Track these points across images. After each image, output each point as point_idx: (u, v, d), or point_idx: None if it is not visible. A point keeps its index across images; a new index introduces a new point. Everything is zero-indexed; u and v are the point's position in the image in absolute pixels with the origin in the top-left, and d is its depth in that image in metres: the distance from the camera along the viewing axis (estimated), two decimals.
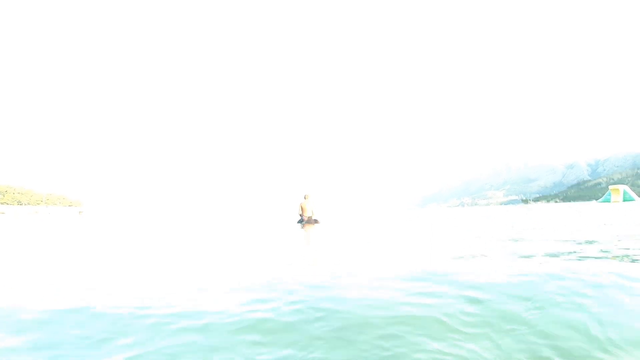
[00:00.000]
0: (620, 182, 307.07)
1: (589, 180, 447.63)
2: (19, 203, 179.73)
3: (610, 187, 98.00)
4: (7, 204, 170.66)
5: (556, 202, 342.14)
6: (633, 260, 4.42)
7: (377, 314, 2.59)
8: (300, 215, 17.64)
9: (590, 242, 6.47)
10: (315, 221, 17.69)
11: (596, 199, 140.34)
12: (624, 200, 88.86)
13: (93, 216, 51.98)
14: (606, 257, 4.75)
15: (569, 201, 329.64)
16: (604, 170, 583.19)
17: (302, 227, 15.43)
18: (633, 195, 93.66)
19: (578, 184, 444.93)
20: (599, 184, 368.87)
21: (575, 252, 5.22)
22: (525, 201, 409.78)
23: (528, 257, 4.83)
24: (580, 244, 6.26)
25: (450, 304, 2.74)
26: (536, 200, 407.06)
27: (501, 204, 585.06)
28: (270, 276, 4.00)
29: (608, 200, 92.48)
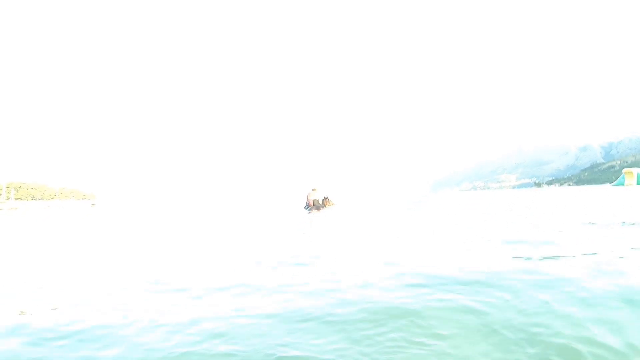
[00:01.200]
0: (634, 164, 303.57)
1: (603, 163, 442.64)
2: (33, 198, 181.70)
3: (624, 170, 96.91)
4: (22, 199, 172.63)
5: (569, 185, 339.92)
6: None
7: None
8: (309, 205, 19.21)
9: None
10: (326, 203, 19.42)
11: (610, 182, 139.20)
12: (638, 184, 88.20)
13: (105, 209, 52.39)
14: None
15: (583, 184, 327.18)
16: (618, 152, 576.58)
17: (308, 213, 17.36)
18: None
19: (591, 167, 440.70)
20: (613, 166, 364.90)
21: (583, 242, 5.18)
22: (539, 184, 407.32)
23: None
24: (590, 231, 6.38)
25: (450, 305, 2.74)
26: (549, 183, 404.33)
27: (514, 187, 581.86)
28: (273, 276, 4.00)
29: (622, 184, 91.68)
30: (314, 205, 19.00)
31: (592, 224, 7.75)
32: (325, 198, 19.65)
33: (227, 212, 22.67)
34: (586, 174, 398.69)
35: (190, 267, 5.01)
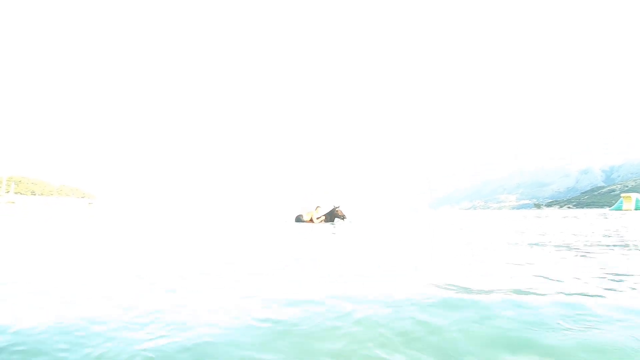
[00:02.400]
0: (634, 189, 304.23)
1: (603, 187, 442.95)
2: (33, 193, 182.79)
3: (622, 195, 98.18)
4: (21, 193, 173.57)
5: (569, 207, 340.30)
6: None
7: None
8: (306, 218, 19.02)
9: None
10: (337, 215, 19.15)
11: (609, 206, 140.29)
12: (636, 209, 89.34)
13: (102, 208, 52.82)
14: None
15: (582, 207, 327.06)
16: (619, 176, 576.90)
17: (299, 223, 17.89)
18: None
19: (592, 190, 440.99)
20: (613, 190, 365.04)
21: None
22: (538, 206, 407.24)
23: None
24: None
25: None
26: (549, 205, 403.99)
27: (513, 208, 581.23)
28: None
29: (620, 208, 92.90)
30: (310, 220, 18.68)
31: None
32: (337, 208, 18.96)
33: (220, 217, 23.24)
34: (586, 197, 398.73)
35: (170, 272, 4.90)
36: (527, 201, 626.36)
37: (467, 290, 3.63)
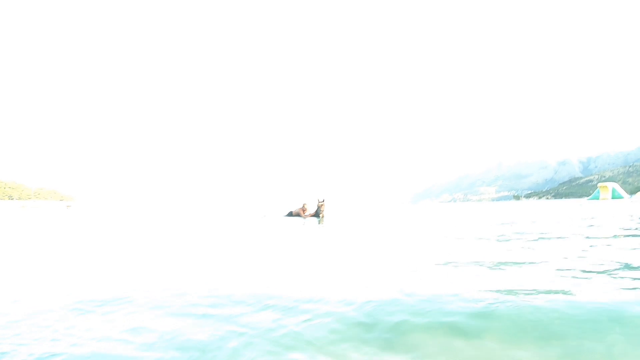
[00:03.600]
0: (611, 179, 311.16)
1: (581, 177, 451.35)
2: (10, 198, 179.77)
3: (599, 185, 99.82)
4: None
5: (547, 198, 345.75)
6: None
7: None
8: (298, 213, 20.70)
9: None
10: (319, 209, 20.15)
11: (587, 196, 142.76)
12: (613, 198, 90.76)
13: (80, 211, 51.92)
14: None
15: (561, 198, 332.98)
16: (596, 167, 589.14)
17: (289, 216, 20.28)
18: (622, 193, 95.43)
19: (570, 181, 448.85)
20: (591, 181, 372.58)
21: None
22: (517, 197, 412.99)
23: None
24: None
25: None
26: (528, 196, 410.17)
27: (493, 200, 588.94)
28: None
29: (597, 198, 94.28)
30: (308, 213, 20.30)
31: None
32: (320, 203, 20.01)
33: (201, 217, 23.38)
34: (564, 187, 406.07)
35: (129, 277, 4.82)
36: (506, 193, 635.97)
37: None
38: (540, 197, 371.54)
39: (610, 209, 24.25)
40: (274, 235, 10.53)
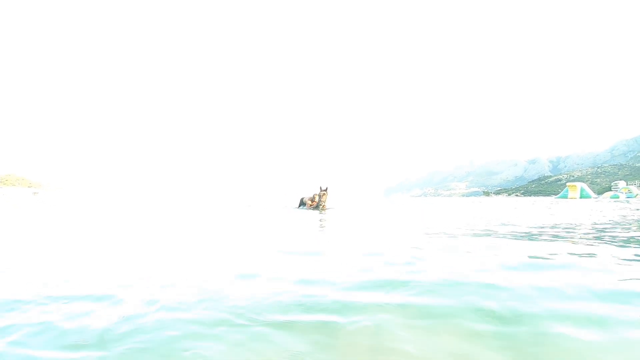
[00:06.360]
0: (580, 179, 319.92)
1: (550, 176, 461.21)
2: None
3: (568, 184, 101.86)
4: None
5: (517, 195, 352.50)
6: None
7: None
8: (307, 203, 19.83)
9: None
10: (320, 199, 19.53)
11: (555, 194, 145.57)
12: (581, 197, 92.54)
13: (48, 198, 50.78)
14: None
15: (530, 195, 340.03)
16: (565, 167, 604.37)
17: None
18: (590, 192, 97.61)
19: (539, 179, 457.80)
20: (560, 179, 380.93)
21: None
22: (487, 193, 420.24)
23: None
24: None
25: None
26: (498, 193, 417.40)
27: (463, 195, 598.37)
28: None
29: (565, 197, 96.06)
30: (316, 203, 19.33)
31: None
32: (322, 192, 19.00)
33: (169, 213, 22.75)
34: (534, 185, 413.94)
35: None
36: (476, 189, 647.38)
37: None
38: (509, 194, 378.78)
39: (574, 207, 25.55)
40: (245, 225, 10.54)
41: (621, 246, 6.11)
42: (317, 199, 19.11)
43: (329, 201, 19.38)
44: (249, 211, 18.10)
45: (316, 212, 16.93)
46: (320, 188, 18.73)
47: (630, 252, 5.53)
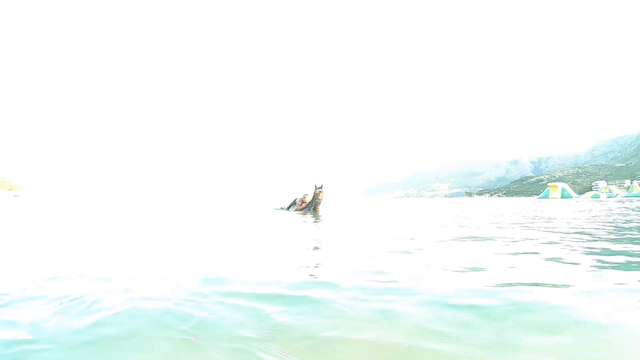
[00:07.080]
0: (561, 179, 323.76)
1: (532, 177, 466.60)
2: None
3: (549, 184, 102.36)
4: None
5: (499, 196, 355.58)
6: None
7: None
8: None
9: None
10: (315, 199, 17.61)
11: (537, 195, 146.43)
12: (562, 197, 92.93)
13: (29, 200, 49.07)
14: None
15: (512, 195, 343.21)
16: (547, 167, 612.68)
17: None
18: (571, 192, 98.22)
19: (521, 180, 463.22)
20: (541, 180, 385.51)
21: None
22: (469, 194, 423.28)
23: None
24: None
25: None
26: (480, 193, 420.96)
27: (446, 196, 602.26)
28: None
29: (547, 197, 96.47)
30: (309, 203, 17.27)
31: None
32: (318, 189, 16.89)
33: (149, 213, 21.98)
34: (515, 186, 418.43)
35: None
36: (459, 190, 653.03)
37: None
38: (492, 195, 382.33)
39: (556, 207, 25.23)
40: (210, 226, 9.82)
41: None
42: (307, 199, 17.07)
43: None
44: (219, 212, 17.09)
45: (301, 214, 14.93)
46: (316, 186, 16.52)
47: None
